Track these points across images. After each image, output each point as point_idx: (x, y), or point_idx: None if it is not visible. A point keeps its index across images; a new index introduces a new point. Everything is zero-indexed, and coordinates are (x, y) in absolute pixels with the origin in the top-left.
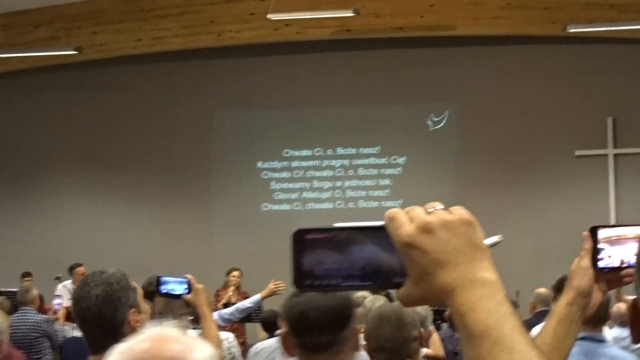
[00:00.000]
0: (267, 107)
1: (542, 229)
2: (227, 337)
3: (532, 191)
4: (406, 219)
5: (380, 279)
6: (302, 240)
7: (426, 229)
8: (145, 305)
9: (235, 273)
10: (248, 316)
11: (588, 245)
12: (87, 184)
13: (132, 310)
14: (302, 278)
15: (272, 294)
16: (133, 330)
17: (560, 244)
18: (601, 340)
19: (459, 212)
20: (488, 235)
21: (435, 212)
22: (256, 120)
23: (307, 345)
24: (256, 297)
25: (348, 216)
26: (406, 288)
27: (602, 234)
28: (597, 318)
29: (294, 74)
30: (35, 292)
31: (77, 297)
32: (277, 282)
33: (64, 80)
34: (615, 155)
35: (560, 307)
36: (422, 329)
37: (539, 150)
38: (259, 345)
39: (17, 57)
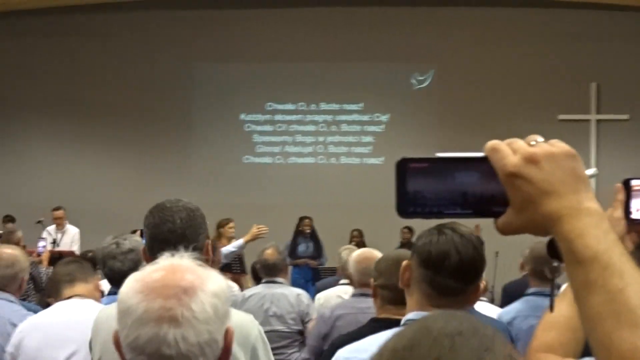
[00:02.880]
0: (251, 61)
1: None
2: (232, 286)
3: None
4: (509, 150)
5: (480, 208)
6: (406, 169)
7: (532, 160)
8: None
9: (232, 224)
10: (228, 266)
11: (621, 196)
12: (66, 130)
13: (208, 240)
14: (405, 205)
15: (255, 238)
16: (207, 260)
17: None
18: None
19: (562, 145)
20: None
21: (538, 144)
22: (239, 73)
23: (438, 285)
24: (239, 241)
25: (329, 171)
26: (507, 216)
27: (635, 185)
28: (542, 274)
29: (278, 28)
30: (19, 234)
31: (158, 221)
32: (259, 226)
33: (41, 25)
34: (598, 121)
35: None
36: None
37: (521, 113)
38: (247, 292)
39: None
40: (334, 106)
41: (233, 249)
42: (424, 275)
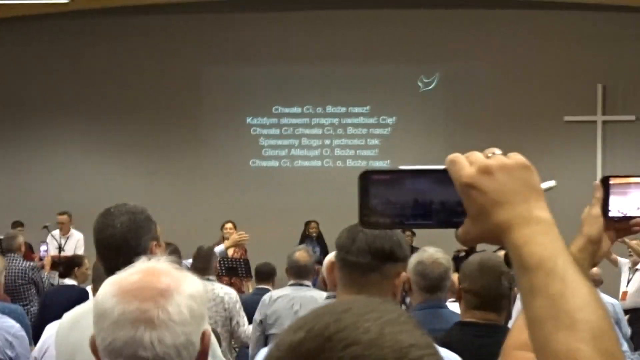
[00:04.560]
0: (258, 64)
1: None
2: (229, 292)
3: (521, 155)
4: (467, 162)
5: (441, 218)
6: (369, 181)
7: (486, 171)
8: (162, 241)
9: (228, 225)
10: (234, 270)
11: (599, 194)
12: (76, 134)
13: (154, 242)
14: (368, 216)
15: (236, 244)
16: None
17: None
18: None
19: (517, 157)
20: None
21: (495, 156)
22: (246, 77)
23: (348, 264)
24: (220, 247)
25: (336, 175)
26: (465, 226)
27: (613, 183)
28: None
29: (285, 31)
30: (21, 239)
31: (101, 226)
32: (240, 233)
33: (55, 29)
34: (604, 122)
35: (571, 253)
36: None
37: (528, 115)
38: (274, 294)
39: (7, 4)
40: (341, 109)
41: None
42: (337, 260)
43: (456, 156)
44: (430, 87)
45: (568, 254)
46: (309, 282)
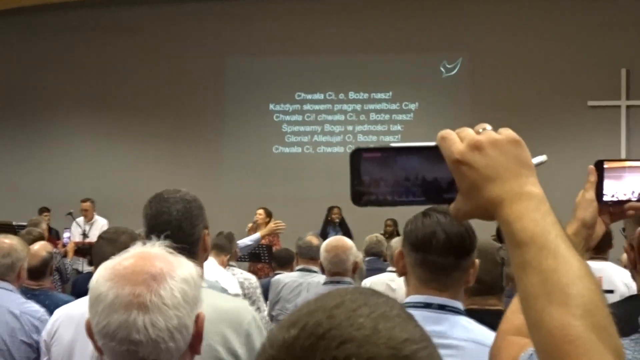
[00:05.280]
0: (280, 52)
1: (552, 178)
2: (248, 277)
3: (544, 141)
4: (457, 138)
5: (433, 195)
6: (360, 158)
7: (476, 147)
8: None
9: (259, 211)
10: (257, 256)
11: (593, 178)
12: (98, 124)
13: (206, 230)
14: (359, 194)
15: (272, 232)
16: (205, 250)
17: (570, 193)
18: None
19: (507, 132)
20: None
21: (485, 131)
22: (269, 65)
23: (429, 264)
24: (256, 235)
25: None
26: (457, 203)
27: (607, 167)
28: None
29: (307, 18)
30: (44, 226)
31: (155, 212)
32: (277, 222)
33: (75, 20)
34: (628, 107)
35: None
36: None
37: (551, 100)
38: (283, 278)
39: None
40: (363, 95)
41: (250, 242)
42: (415, 258)
43: (447, 132)
44: (452, 73)
45: (560, 228)
46: (316, 268)
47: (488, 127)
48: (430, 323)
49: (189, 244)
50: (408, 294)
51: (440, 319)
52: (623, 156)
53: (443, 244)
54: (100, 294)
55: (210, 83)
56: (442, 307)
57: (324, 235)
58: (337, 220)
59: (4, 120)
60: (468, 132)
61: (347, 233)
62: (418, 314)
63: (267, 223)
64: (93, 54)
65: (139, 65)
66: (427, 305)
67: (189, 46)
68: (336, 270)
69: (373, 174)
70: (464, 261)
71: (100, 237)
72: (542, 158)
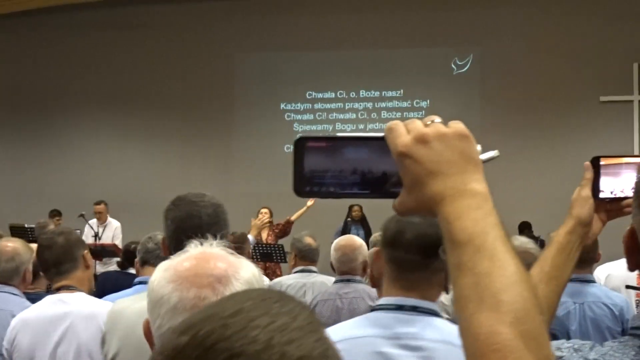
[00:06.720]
0: (290, 50)
1: (564, 173)
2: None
3: (556, 136)
4: (404, 130)
5: (378, 188)
6: (304, 148)
7: (422, 140)
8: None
9: (263, 210)
10: (269, 256)
11: (589, 175)
12: (108, 124)
13: (230, 235)
14: (302, 184)
15: (259, 229)
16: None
17: None
18: (588, 281)
19: (456, 126)
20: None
21: (433, 124)
22: (279, 63)
23: (397, 260)
24: (249, 237)
25: None
26: (401, 197)
27: (604, 164)
28: (586, 259)
29: (318, 16)
30: (52, 227)
31: (184, 215)
32: (259, 217)
33: (86, 19)
34: None
35: (559, 235)
36: None
37: (563, 95)
38: (285, 280)
39: None
40: (374, 93)
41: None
42: (385, 254)
43: (395, 123)
44: (463, 70)
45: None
46: (315, 268)
47: (437, 119)
48: (403, 325)
49: None
50: (380, 295)
51: (412, 320)
52: (636, 152)
53: (410, 240)
54: (162, 296)
55: (220, 81)
56: (414, 309)
57: (345, 232)
58: (358, 218)
59: (15, 122)
60: (416, 124)
61: (368, 231)
62: (390, 317)
63: (271, 222)
64: (103, 54)
65: (150, 65)
66: (399, 307)
67: (199, 44)
68: (345, 269)
69: (317, 164)
70: (434, 261)
71: (39, 244)
72: (493, 153)
